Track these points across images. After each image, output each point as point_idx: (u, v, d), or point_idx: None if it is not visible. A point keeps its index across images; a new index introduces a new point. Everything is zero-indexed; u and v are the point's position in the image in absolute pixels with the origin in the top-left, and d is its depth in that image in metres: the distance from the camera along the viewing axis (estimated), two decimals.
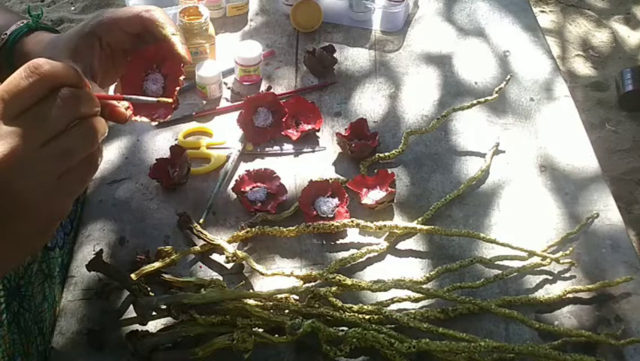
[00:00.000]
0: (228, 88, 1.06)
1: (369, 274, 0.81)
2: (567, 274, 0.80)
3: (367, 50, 1.12)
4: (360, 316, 0.73)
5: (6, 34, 0.67)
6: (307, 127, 0.97)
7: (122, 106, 0.60)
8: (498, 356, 0.71)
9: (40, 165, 0.45)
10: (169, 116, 0.64)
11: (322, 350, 0.71)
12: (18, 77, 0.45)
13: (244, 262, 0.80)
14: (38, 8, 2.49)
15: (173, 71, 0.65)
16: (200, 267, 0.81)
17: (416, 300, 0.77)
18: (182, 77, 0.64)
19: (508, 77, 1.00)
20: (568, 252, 0.80)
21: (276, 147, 0.96)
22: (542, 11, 2.53)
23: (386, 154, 0.93)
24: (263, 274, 0.78)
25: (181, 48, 0.63)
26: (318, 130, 0.98)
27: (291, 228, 0.82)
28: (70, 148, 0.47)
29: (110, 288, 0.78)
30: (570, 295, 0.77)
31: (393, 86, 1.06)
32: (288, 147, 0.96)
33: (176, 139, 0.97)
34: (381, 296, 0.77)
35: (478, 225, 0.86)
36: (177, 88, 0.64)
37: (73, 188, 0.49)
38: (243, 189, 0.88)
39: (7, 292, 0.67)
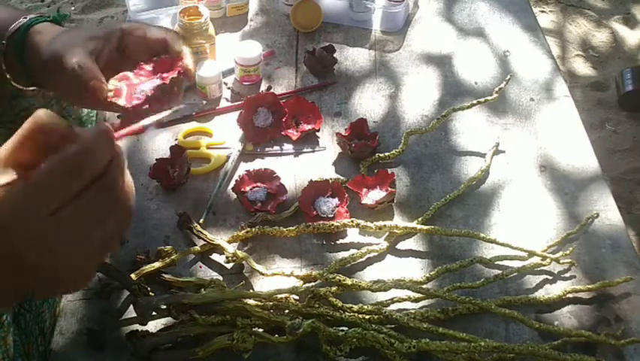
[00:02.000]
0: (228, 88, 1.06)
1: (369, 274, 0.81)
2: (567, 274, 0.80)
3: (367, 50, 1.12)
4: (360, 316, 0.73)
5: (24, 17, 0.67)
6: (307, 127, 0.97)
7: (106, 88, 0.60)
8: (498, 356, 0.71)
9: (93, 256, 0.44)
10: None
11: (322, 350, 0.71)
12: (58, 174, 0.41)
13: (244, 262, 0.80)
14: (39, 8, 2.50)
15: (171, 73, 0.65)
16: (200, 267, 0.81)
17: (416, 300, 0.77)
18: (175, 76, 0.64)
19: (508, 77, 1.00)
20: (568, 252, 0.80)
21: (276, 147, 0.96)
22: (542, 11, 2.53)
23: (386, 154, 0.93)
24: (263, 274, 0.78)
25: (189, 61, 0.65)
26: (318, 130, 0.98)
27: (291, 228, 0.82)
28: (114, 235, 0.45)
29: (110, 288, 0.78)
30: (570, 295, 0.77)
31: (393, 86, 1.06)
32: (288, 147, 0.96)
33: (176, 139, 0.97)
34: (381, 296, 0.77)
35: (478, 225, 0.86)
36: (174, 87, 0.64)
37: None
38: (243, 189, 0.88)
39: None
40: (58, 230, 0.42)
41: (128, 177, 0.45)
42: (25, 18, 0.67)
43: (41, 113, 0.43)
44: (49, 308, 0.76)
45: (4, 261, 0.42)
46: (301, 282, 0.78)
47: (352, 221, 0.82)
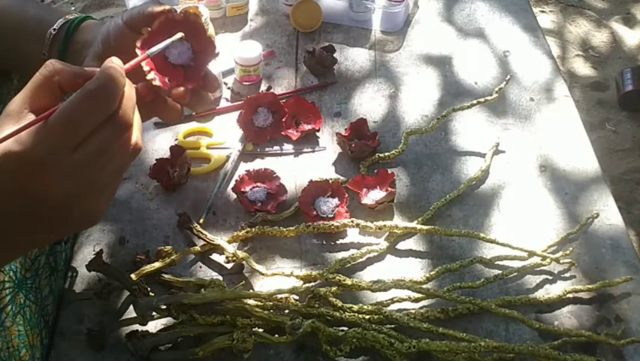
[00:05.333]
0: (228, 88, 1.06)
1: (369, 274, 0.81)
2: (567, 274, 0.80)
3: (367, 50, 1.12)
4: (360, 316, 0.73)
5: (64, 19, 0.63)
6: (307, 127, 0.97)
7: (176, 93, 0.56)
8: (498, 356, 0.71)
9: (106, 189, 0.48)
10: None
11: (322, 350, 0.71)
12: (80, 109, 0.44)
13: (244, 262, 0.80)
14: None
15: (202, 48, 0.58)
16: (200, 267, 0.81)
17: (416, 300, 0.77)
18: (216, 52, 0.58)
19: (508, 77, 1.00)
20: (568, 252, 0.80)
21: (276, 147, 0.96)
22: (542, 11, 2.53)
23: (386, 154, 0.93)
24: (263, 274, 0.78)
25: (212, 29, 0.59)
26: (318, 130, 0.98)
27: (291, 228, 0.82)
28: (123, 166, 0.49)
29: (110, 288, 0.78)
30: (570, 295, 0.77)
31: (393, 86, 1.06)
32: (288, 147, 0.96)
33: (176, 139, 0.97)
34: (381, 296, 0.77)
35: (478, 225, 0.86)
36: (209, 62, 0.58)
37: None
38: (243, 189, 0.88)
39: (12, 284, 0.67)
40: (81, 165, 0.44)
41: (137, 112, 0.48)
42: (65, 19, 0.63)
43: (53, 61, 0.46)
44: (54, 301, 0.76)
45: (29, 202, 0.44)
46: (301, 282, 0.78)
47: (352, 221, 0.82)
